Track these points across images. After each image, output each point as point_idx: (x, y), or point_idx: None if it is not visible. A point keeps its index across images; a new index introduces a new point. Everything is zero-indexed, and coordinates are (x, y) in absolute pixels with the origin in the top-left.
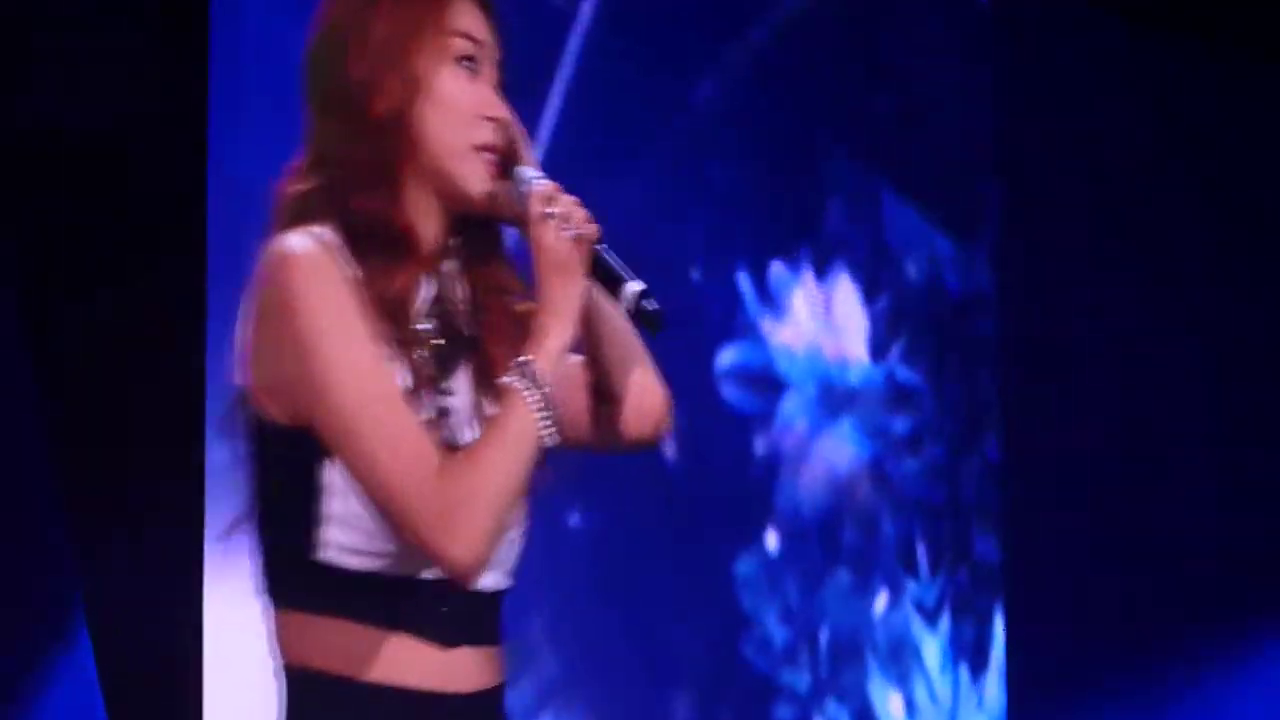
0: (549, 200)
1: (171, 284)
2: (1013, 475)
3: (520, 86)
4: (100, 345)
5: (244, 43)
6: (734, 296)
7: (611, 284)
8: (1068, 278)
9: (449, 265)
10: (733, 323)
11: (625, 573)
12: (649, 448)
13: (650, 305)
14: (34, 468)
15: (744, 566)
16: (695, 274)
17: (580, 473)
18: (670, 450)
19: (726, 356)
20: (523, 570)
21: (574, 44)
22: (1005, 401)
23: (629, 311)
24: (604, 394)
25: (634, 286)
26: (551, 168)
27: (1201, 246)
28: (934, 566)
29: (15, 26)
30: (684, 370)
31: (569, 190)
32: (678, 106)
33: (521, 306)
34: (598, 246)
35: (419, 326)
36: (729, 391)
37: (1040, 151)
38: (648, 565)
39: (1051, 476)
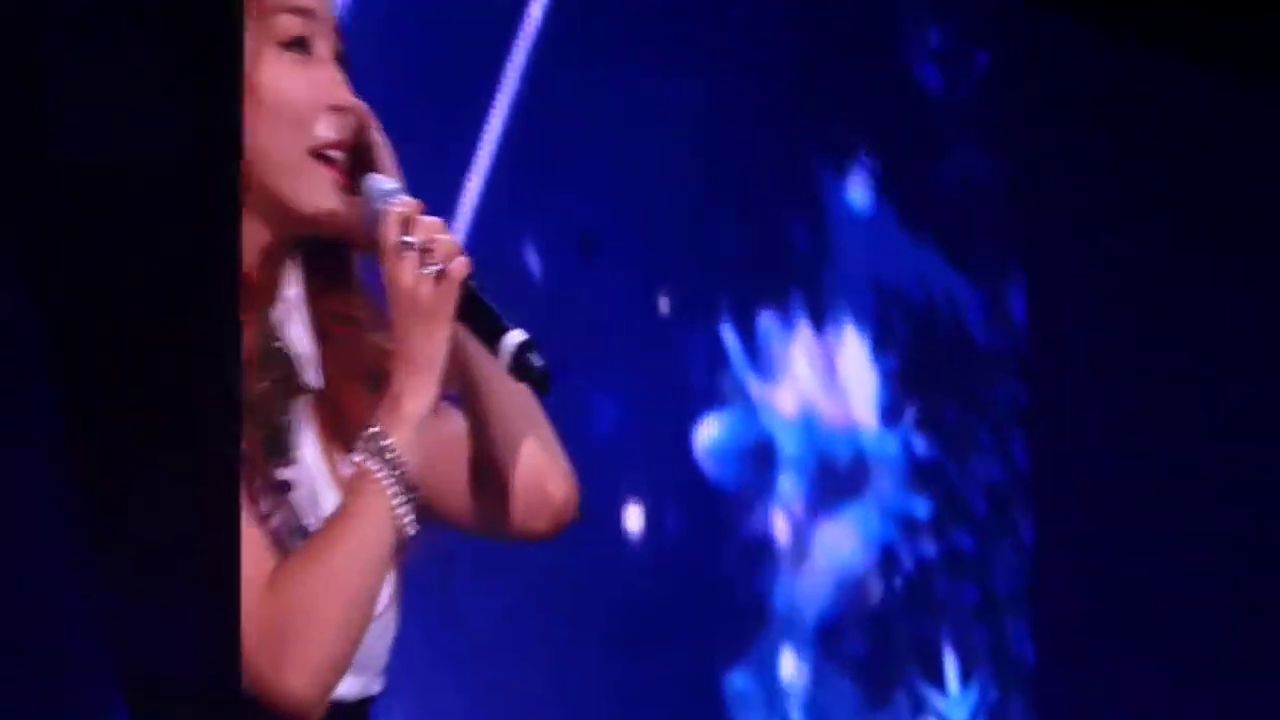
0: (407, 224)
1: (205, 303)
2: (1048, 560)
3: (458, 89)
4: (131, 361)
5: None
6: (715, 353)
7: (486, 333)
8: (1098, 325)
9: (285, 297)
10: (714, 385)
11: (580, 689)
12: (542, 541)
13: (535, 361)
14: (54, 481)
15: (735, 681)
16: (668, 328)
17: (514, 563)
18: (639, 538)
19: (708, 426)
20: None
21: (525, 37)
22: (1038, 473)
23: (509, 368)
24: (486, 470)
25: (514, 337)
26: (488, 200)
27: (1247, 282)
28: (965, 677)
29: (38, 44)
30: (657, 443)
31: (508, 225)
32: (638, 139)
33: (380, 341)
34: (469, 284)
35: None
36: (712, 468)
37: (1065, 186)
38: (610, 680)
39: (1090, 561)
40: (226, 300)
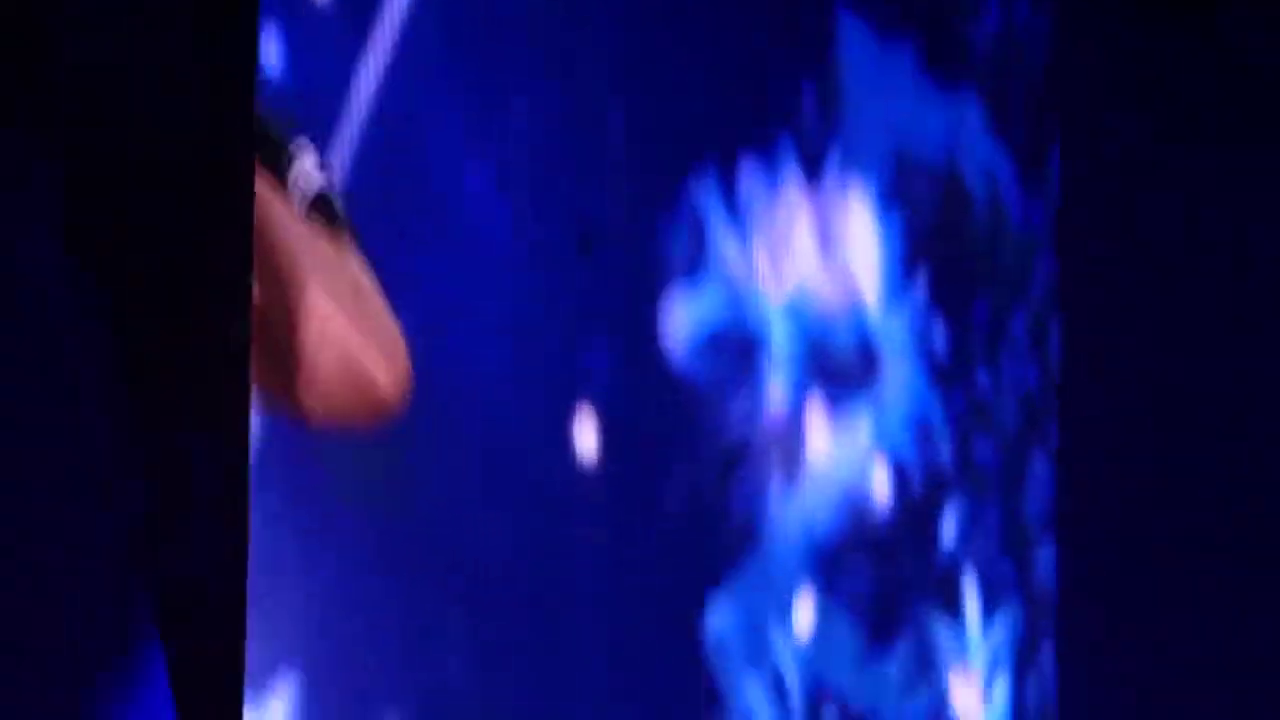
0: None
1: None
2: (1080, 476)
3: None
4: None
5: None
6: (684, 214)
7: (268, 155)
8: (1137, 214)
9: None
10: (683, 254)
11: (532, 638)
12: (362, 431)
13: (336, 199)
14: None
15: (715, 622)
16: (625, 181)
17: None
18: (592, 454)
19: (675, 306)
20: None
21: None
22: (1067, 376)
23: (302, 206)
24: (280, 340)
25: (304, 161)
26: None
27: None
28: (988, 612)
29: None
30: (612, 327)
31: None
32: None
33: None
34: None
35: None
36: (680, 359)
37: (1113, 39)
38: (566, 627)
39: (1129, 477)
40: (242, 198)
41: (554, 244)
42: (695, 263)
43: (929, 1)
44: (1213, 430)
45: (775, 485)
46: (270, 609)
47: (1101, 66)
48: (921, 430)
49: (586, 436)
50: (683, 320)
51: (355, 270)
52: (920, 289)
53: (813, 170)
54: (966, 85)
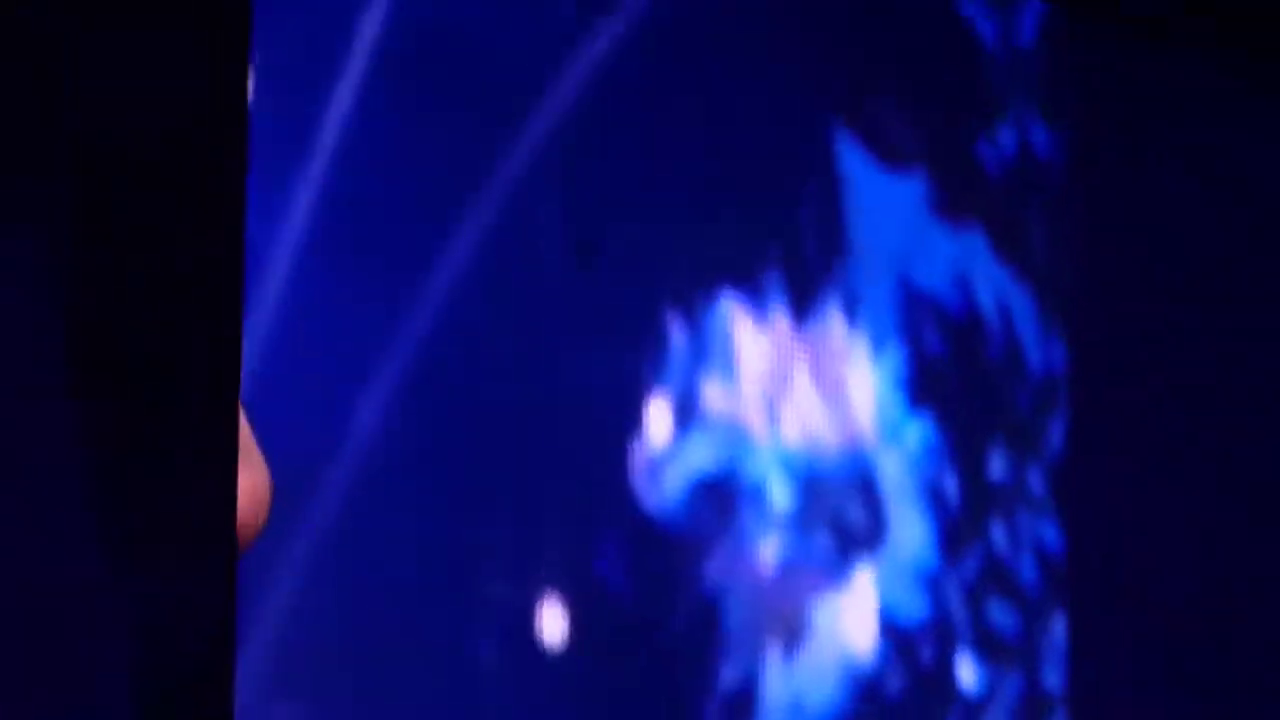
0: None
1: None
2: (1092, 646)
3: None
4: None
5: None
6: (660, 351)
7: None
8: (1151, 358)
9: None
10: (659, 394)
11: None
12: None
13: None
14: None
15: None
16: (599, 316)
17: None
18: (561, 636)
19: (653, 454)
20: None
21: None
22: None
23: None
24: None
25: None
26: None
27: None
28: None
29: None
30: (582, 473)
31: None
32: (572, 37)
33: None
34: None
35: None
36: (658, 509)
37: (1134, 165)
38: None
39: (1140, 652)
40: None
41: (511, 378)
42: (678, 409)
43: (937, 126)
44: (1242, 596)
45: (773, 653)
46: None
47: (1122, 192)
48: (932, 592)
49: (553, 627)
50: (664, 472)
51: None
52: (927, 435)
53: (807, 306)
54: (978, 215)
